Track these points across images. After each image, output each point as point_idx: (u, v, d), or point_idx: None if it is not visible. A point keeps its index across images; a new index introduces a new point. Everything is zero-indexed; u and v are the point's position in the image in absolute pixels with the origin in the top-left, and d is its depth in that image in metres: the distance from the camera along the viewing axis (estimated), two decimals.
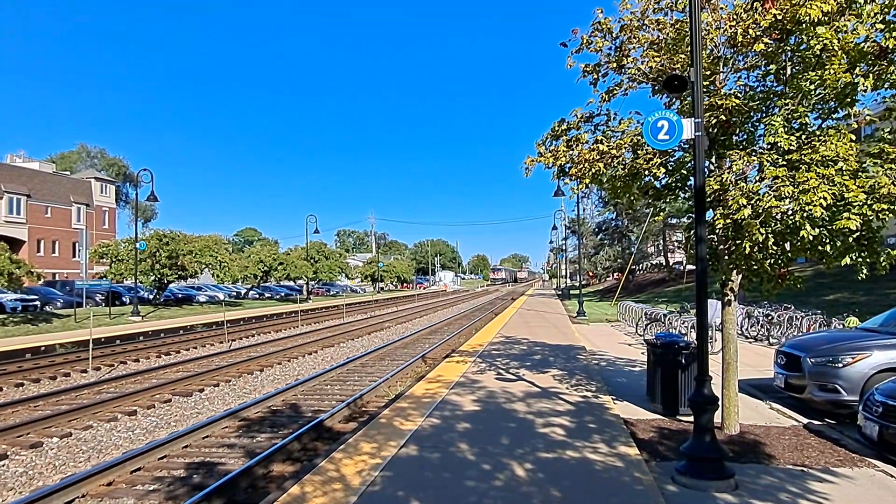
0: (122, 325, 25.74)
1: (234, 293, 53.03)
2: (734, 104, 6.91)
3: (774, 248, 6.79)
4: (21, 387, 13.95)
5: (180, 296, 44.07)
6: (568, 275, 74.87)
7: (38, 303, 31.40)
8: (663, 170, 7.63)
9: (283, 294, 57.94)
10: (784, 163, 6.66)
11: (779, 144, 6.69)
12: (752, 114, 7.37)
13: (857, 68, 6.65)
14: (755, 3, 6.85)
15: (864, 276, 6.84)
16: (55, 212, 60.89)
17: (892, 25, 6.46)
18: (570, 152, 8.07)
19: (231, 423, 10.03)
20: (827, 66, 6.49)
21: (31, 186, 58.29)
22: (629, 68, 7.83)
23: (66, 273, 56.64)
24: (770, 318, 17.85)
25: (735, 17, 7.01)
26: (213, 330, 25.72)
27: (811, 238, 6.33)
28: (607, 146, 7.67)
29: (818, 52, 6.57)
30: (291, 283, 62.74)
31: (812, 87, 6.79)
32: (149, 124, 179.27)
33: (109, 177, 76.31)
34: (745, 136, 7.58)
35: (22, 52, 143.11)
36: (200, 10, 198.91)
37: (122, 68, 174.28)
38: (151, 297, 39.04)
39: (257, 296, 54.45)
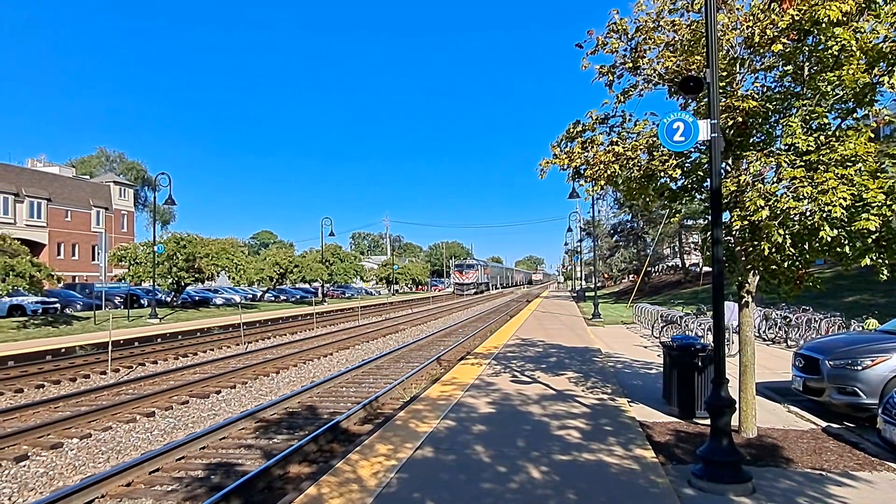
0: (140, 328, 26.00)
1: (250, 295, 53.40)
2: (751, 105, 6.85)
3: (792, 249, 6.73)
4: (42, 388, 14.15)
5: (197, 298, 44.41)
6: (583, 277, 74.54)
7: (58, 305, 31.81)
8: (679, 171, 7.59)
9: (298, 296, 58.24)
10: (802, 163, 6.61)
11: (796, 145, 6.64)
12: (769, 115, 7.31)
13: (876, 68, 6.59)
14: (772, 4, 6.81)
15: (884, 278, 6.77)
16: (75, 215, 61.73)
17: None
18: (586, 154, 8.06)
19: (248, 425, 10.10)
20: (845, 67, 6.44)
21: (52, 191, 59.12)
22: (644, 69, 7.81)
23: (85, 276, 57.48)
24: (788, 320, 17.66)
25: (752, 17, 6.97)
26: (230, 332, 25.91)
27: (830, 239, 6.27)
28: (623, 148, 7.64)
29: (836, 53, 6.51)
30: (307, 286, 63.11)
31: (830, 87, 6.74)
32: (167, 129, 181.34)
33: (128, 181, 77.17)
34: (763, 137, 7.53)
35: (43, 58, 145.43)
36: (216, 15, 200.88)
37: (142, 74, 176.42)
38: (169, 299, 39.40)
39: (273, 298, 54.80)
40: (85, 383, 14.83)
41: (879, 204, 6.08)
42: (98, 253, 32.81)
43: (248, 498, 6.81)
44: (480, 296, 78.78)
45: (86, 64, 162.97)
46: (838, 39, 6.35)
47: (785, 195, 6.44)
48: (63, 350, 19.18)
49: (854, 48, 6.37)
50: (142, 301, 39.13)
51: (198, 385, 13.73)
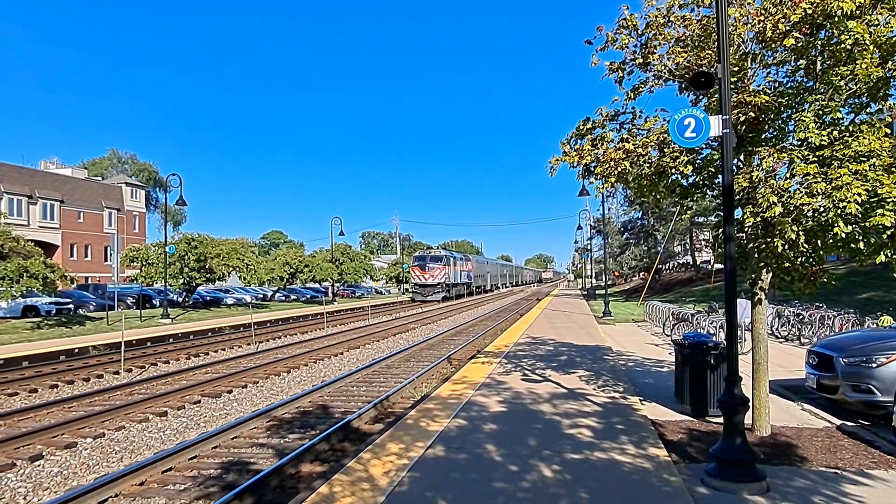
0: (152, 328, 26.17)
1: (261, 295, 53.63)
2: (763, 100, 6.79)
3: (806, 245, 6.66)
4: (56, 388, 14.26)
5: (208, 298, 44.69)
6: (593, 275, 74.32)
7: (71, 306, 32.08)
8: (690, 168, 7.54)
9: (308, 296, 58.44)
10: (815, 159, 6.54)
11: (810, 140, 6.57)
12: (781, 110, 7.25)
13: (890, 62, 6.51)
14: None
15: None
16: (87, 217, 62.22)
17: None
18: (596, 151, 8.02)
19: (260, 424, 10.14)
20: (858, 61, 6.37)
21: (65, 192, 59.64)
22: (655, 65, 7.76)
23: (98, 276, 57.93)
24: (801, 317, 17.52)
25: (763, 11, 6.91)
26: (241, 332, 26.01)
27: (844, 235, 6.21)
28: (633, 144, 7.60)
29: (849, 47, 6.44)
30: (317, 285, 63.27)
31: (843, 81, 6.66)
32: (178, 130, 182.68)
33: (140, 182, 77.73)
34: (775, 133, 7.46)
35: (54, 60, 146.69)
36: (224, 15, 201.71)
37: (152, 75, 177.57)
38: (181, 299, 39.65)
39: (283, 298, 54.99)
40: (98, 383, 14.93)
41: (895, 199, 6.01)
42: (110, 254, 33.15)
43: (261, 496, 6.83)
44: (489, 295, 74.32)
45: (96, 66, 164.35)
46: (851, 33, 6.28)
47: (798, 191, 6.38)
48: (76, 350, 19.34)
49: (867, 42, 6.30)
50: (154, 301, 39.44)
51: (210, 385, 13.80)
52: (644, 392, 10.34)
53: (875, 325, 14.79)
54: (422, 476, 5.99)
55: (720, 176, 6.81)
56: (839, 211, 6.02)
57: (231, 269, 39.36)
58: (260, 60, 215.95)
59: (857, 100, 6.95)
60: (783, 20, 6.67)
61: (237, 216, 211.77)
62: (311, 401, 12.01)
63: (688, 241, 58.91)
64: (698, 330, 16.14)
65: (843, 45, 6.49)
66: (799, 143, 6.88)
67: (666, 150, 7.49)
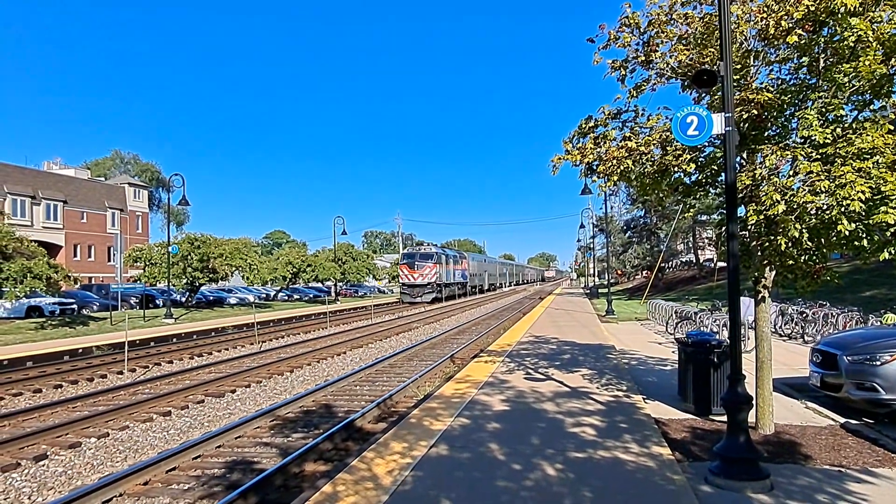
0: (155, 328, 26.22)
1: (264, 295, 53.68)
2: (766, 98, 6.78)
3: (809, 243, 6.65)
4: (60, 388, 14.30)
5: (212, 298, 44.78)
6: (596, 273, 74.24)
7: (75, 306, 32.17)
8: (693, 166, 7.52)
9: (311, 295, 58.47)
10: (818, 156, 6.53)
11: (813, 138, 6.56)
12: (784, 107, 7.23)
13: (893, 59, 6.49)
14: None
15: None
16: (90, 217, 62.38)
17: None
18: (598, 149, 8.00)
19: (263, 423, 10.15)
20: (861, 58, 6.35)
21: (68, 193, 59.78)
22: (657, 63, 7.74)
23: (101, 277, 58.09)
24: (804, 315, 17.49)
25: (766, 8, 6.89)
26: (244, 331, 26.06)
27: (847, 233, 6.19)
28: (636, 143, 7.59)
29: (852, 44, 6.42)
30: (320, 285, 63.33)
31: (846, 79, 6.64)
32: (180, 130, 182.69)
33: (142, 182, 77.84)
34: (778, 130, 7.44)
35: (56, 61, 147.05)
36: (228, 18, 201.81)
37: (154, 75, 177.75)
38: (184, 299, 39.73)
39: (286, 297, 55.02)
40: (102, 383, 14.97)
41: None
42: (114, 254, 33.29)
43: (265, 495, 6.84)
44: (490, 294, 73.77)
45: (97, 66, 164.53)
46: (854, 30, 6.26)
47: (801, 189, 6.37)
48: (80, 350, 19.39)
49: (871, 39, 6.27)
50: (157, 301, 39.54)
51: (213, 384, 13.82)
52: (647, 390, 10.33)
53: (879, 323, 14.76)
54: (425, 475, 5.99)
55: (723, 174, 6.80)
56: (843, 209, 6.00)
57: (234, 268, 39.45)
58: (260, 60, 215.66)
59: (860, 97, 6.93)
60: (786, 17, 6.65)
61: (239, 216, 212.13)
62: (315, 400, 12.02)
63: (690, 239, 58.88)
64: (701, 328, 16.12)
65: (846, 42, 6.47)
66: (802, 140, 6.86)
67: (668, 148, 7.47)
